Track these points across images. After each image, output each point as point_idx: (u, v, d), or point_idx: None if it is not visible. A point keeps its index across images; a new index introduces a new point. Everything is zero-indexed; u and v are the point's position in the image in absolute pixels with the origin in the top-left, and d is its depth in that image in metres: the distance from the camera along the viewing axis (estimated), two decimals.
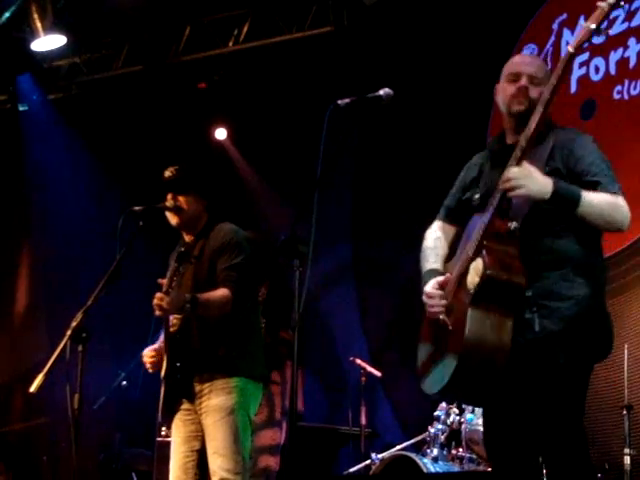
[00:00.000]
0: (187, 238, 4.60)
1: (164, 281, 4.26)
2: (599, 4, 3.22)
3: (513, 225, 3.31)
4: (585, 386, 3.39)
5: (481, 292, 3.28)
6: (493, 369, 3.29)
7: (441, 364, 3.43)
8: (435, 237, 3.71)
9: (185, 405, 4.42)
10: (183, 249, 4.47)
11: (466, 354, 3.28)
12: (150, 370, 4.51)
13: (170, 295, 4.21)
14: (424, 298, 3.54)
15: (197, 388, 4.37)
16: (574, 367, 3.31)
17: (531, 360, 3.32)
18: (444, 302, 3.47)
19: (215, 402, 4.32)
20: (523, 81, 3.48)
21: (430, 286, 3.53)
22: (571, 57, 3.28)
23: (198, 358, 4.36)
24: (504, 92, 3.53)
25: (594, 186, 3.34)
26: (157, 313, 4.21)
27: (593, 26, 3.22)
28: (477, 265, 3.31)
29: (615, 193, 3.34)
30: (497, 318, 3.29)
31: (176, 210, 4.49)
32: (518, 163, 3.29)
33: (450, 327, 3.41)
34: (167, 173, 4.55)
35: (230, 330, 4.37)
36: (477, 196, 3.55)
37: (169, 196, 4.50)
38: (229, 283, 4.34)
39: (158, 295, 4.19)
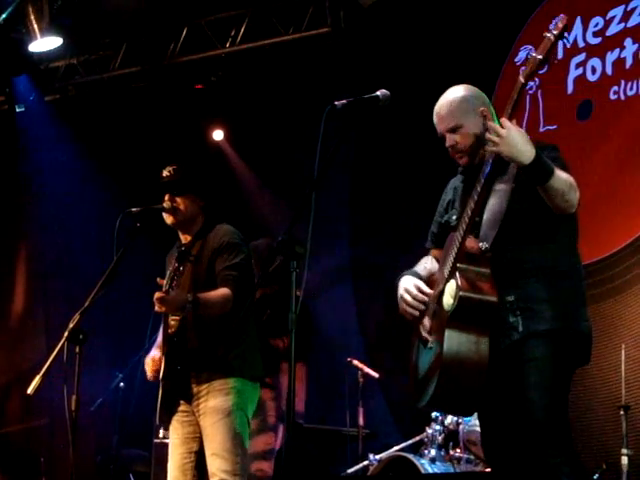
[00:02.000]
0: (184, 238, 4.59)
1: (163, 281, 4.25)
2: (545, 34, 3.30)
3: (484, 246, 3.41)
4: (568, 383, 3.46)
5: (456, 313, 3.37)
6: (473, 386, 3.37)
7: (428, 378, 3.51)
8: (425, 260, 3.85)
9: (183, 406, 4.42)
10: (183, 248, 4.46)
11: (444, 372, 3.37)
12: (150, 379, 4.50)
13: (170, 294, 4.21)
14: (401, 292, 3.66)
15: (195, 389, 4.36)
16: (557, 361, 3.39)
17: (516, 358, 3.40)
18: (421, 306, 3.58)
19: (213, 403, 4.31)
20: (447, 143, 3.66)
21: (412, 284, 3.63)
22: (522, 87, 3.34)
23: (195, 359, 4.35)
24: None
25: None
26: (157, 308, 4.19)
27: (540, 57, 3.29)
28: (451, 287, 3.40)
29: (569, 175, 3.39)
30: (474, 336, 3.38)
31: (172, 211, 4.48)
32: (510, 118, 3.33)
33: (430, 345, 3.51)
34: (165, 172, 4.54)
35: (227, 331, 4.36)
36: (454, 217, 3.65)
37: (167, 197, 4.49)
38: (230, 282, 4.32)
39: (158, 294, 4.18)
